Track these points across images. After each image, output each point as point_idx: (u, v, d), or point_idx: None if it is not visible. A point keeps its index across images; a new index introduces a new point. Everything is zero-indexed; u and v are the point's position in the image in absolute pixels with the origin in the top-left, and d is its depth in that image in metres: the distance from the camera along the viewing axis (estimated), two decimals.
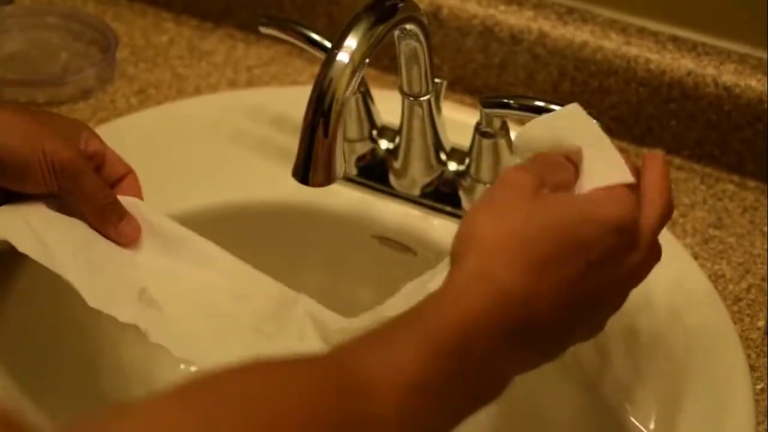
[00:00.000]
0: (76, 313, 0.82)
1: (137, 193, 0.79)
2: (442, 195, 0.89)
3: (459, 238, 0.60)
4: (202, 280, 0.76)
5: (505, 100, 0.80)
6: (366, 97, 0.89)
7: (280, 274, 0.88)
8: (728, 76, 0.90)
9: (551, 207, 0.58)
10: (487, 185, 0.86)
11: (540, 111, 0.78)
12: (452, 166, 0.88)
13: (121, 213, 0.76)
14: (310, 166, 0.70)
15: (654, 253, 0.63)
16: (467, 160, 0.87)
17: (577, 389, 0.80)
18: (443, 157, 0.88)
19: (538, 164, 0.63)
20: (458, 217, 0.88)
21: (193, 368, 0.94)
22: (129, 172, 0.79)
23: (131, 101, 0.99)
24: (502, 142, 0.84)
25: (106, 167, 0.78)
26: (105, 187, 0.76)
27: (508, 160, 0.85)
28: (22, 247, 0.73)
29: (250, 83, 1.01)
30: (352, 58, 0.70)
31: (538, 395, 0.87)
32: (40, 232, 0.73)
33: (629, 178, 0.60)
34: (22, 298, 0.83)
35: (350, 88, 0.70)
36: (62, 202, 0.76)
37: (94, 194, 0.75)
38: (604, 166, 0.61)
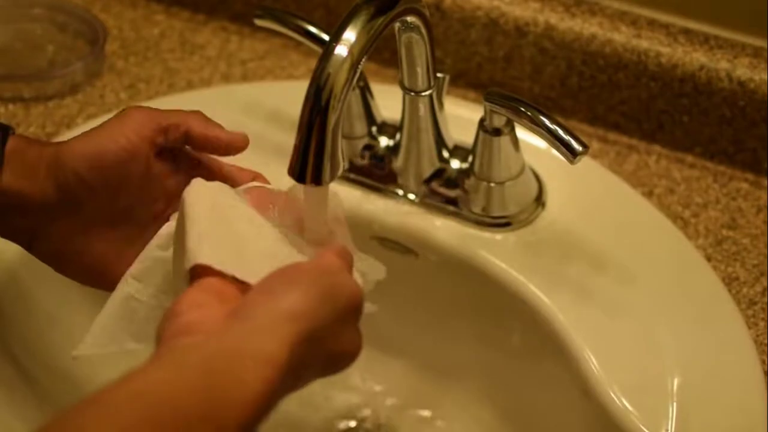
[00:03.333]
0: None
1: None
2: (444, 194, 0.89)
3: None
4: None
5: (513, 103, 0.80)
6: (365, 92, 0.89)
7: None
8: (742, 70, 0.91)
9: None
10: (492, 184, 0.86)
11: (549, 131, 0.78)
12: (455, 163, 0.88)
13: (219, 126, 0.74)
14: (306, 164, 0.70)
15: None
16: (471, 158, 0.87)
17: (582, 396, 0.80)
18: (446, 154, 0.89)
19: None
20: (461, 216, 0.88)
21: None
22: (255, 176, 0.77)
23: (120, 96, 0.99)
24: (506, 139, 0.84)
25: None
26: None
27: (513, 158, 0.86)
28: None
29: (245, 78, 1.01)
30: (350, 52, 0.70)
31: (542, 402, 0.87)
32: None
33: None
34: None
35: (349, 83, 0.70)
36: None
37: (188, 116, 0.73)
38: None
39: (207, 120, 0.74)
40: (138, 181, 0.72)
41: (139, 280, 0.71)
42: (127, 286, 0.71)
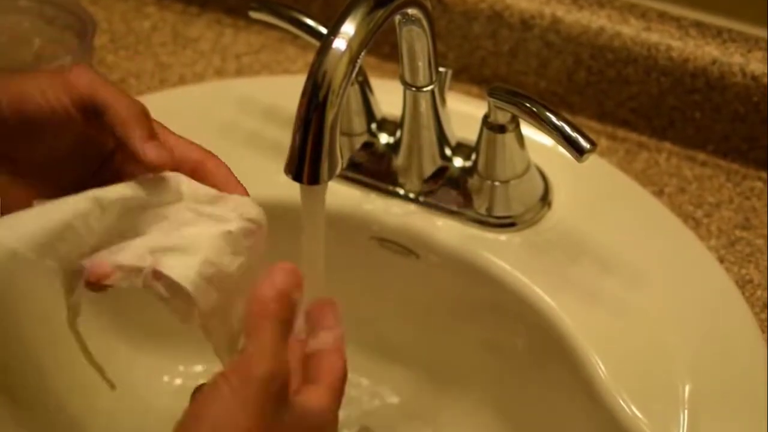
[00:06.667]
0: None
1: (226, 181, 0.70)
2: (446, 193, 0.89)
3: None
4: None
5: (518, 99, 0.81)
6: (364, 87, 0.90)
7: None
8: (756, 64, 0.91)
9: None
10: (496, 183, 0.86)
11: (556, 128, 0.78)
12: (458, 162, 0.89)
13: (152, 131, 0.68)
14: (304, 162, 0.71)
15: None
16: (474, 156, 0.87)
17: (589, 403, 0.80)
18: (448, 152, 0.89)
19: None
20: (463, 216, 0.88)
21: (177, 381, 0.94)
22: (206, 157, 0.71)
23: None
24: (511, 136, 0.85)
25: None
26: (133, 98, 0.68)
27: (518, 156, 0.86)
28: None
29: (239, 72, 1.02)
30: (349, 46, 0.70)
31: (548, 409, 0.87)
32: None
33: None
34: None
35: (347, 78, 0.70)
36: None
37: (119, 100, 0.67)
38: None
39: (140, 120, 0.68)
40: (63, 138, 0.69)
41: (102, 208, 0.66)
42: (87, 203, 0.66)
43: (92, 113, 0.68)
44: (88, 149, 0.70)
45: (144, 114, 0.68)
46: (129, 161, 0.70)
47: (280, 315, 0.61)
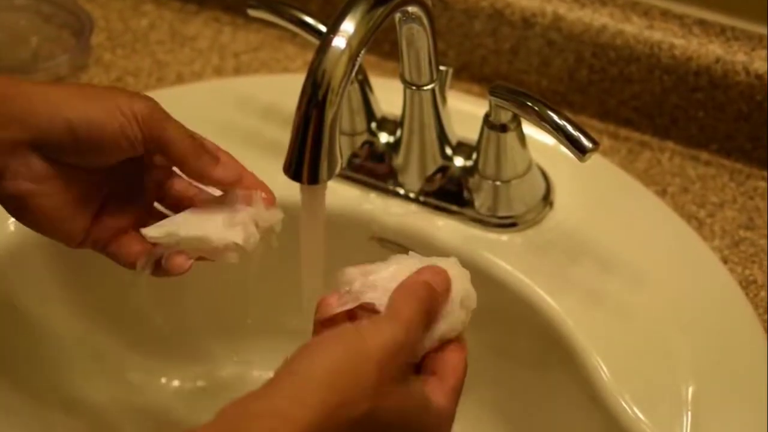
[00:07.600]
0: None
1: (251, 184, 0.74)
2: (447, 193, 0.89)
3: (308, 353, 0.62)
4: None
5: (519, 98, 0.80)
6: (364, 85, 0.90)
7: (269, 279, 0.88)
8: (760, 63, 0.91)
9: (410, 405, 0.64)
10: (497, 183, 0.86)
11: (558, 127, 0.78)
12: (458, 161, 0.89)
13: (215, 155, 0.72)
14: (303, 162, 0.71)
15: None
16: (475, 155, 0.87)
17: (591, 405, 0.80)
18: (449, 151, 0.89)
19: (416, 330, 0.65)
20: (464, 216, 0.88)
21: (176, 383, 0.94)
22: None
23: None
24: (512, 135, 0.84)
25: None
26: (190, 131, 0.72)
27: (520, 155, 0.86)
28: None
29: (238, 71, 1.02)
30: (349, 44, 0.70)
31: (550, 411, 0.87)
32: None
33: None
34: None
35: (347, 77, 0.70)
36: None
37: (182, 139, 0.71)
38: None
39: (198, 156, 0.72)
40: (117, 157, 0.71)
41: None
42: None
43: (155, 149, 0.71)
44: (134, 162, 0.73)
45: (202, 144, 0.72)
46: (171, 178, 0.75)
47: (424, 299, 0.65)
